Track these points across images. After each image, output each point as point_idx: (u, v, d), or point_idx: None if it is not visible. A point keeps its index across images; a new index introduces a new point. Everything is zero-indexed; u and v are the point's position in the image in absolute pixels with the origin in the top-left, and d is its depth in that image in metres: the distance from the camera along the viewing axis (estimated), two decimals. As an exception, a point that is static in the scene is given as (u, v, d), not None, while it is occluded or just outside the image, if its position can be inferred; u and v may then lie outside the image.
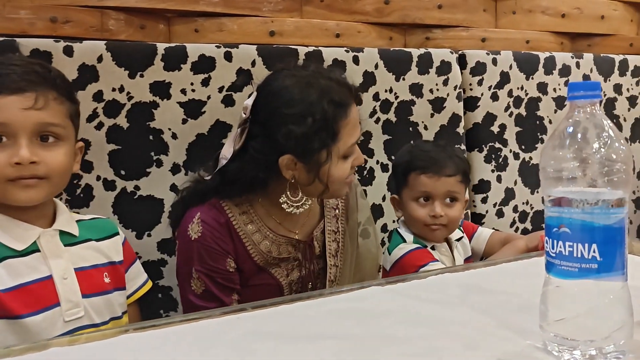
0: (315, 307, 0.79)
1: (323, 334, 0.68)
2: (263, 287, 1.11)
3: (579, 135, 0.59)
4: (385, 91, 1.58)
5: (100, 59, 1.27)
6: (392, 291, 0.84)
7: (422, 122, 1.64)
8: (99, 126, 1.27)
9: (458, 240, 1.35)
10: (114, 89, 1.28)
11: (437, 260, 1.25)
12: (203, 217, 1.07)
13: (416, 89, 1.62)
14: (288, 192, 1.07)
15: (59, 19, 1.33)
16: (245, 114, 1.06)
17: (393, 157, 1.52)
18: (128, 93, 1.29)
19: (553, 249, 0.59)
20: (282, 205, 1.08)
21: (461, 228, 1.38)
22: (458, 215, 1.28)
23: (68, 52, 1.24)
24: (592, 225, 0.57)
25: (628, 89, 1.98)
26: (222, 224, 1.07)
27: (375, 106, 1.57)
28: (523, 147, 1.78)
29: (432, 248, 1.30)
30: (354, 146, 1.07)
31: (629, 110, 1.99)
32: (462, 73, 1.70)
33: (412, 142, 1.50)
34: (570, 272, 0.58)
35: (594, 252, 0.57)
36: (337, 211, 1.22)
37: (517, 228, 1.78)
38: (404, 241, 1.29)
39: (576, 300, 0.58)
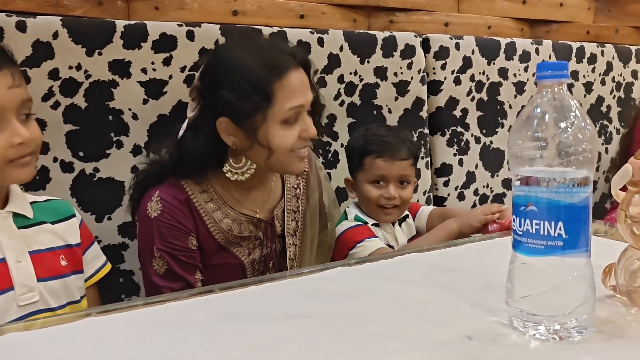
0: (282, 288, 0.78)
1: (291, 314, 0.67)
2: (225, 267, 1.10)
3: (547, 115, 0.60)
4: (350, 74, 1.57)
5: (55, 35, 1.21)
6: (359, 271, 0.84)
7: (386, 105, 1.64)
8: (55, 105, 1.22)
9: (402, 220, 1.40)
10: (70, 67, 1.23)
11: (376, 237, 1.30)
12: (162, 195, 1.05)
13: (380, 72, 1.62)
14: (230, 159, 1.07)
15: (11, -8, 1.26)
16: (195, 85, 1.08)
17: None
18: (86, 71, 1.25)
19: (520, 227, 0.60)
20: (227, 175, 1.07)
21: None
22: (409, 196, 1.35)
23: (21, 27, 1.18)
24: (558, 203, 0.58)
25: (584, 76, 2.03)
26: (181, 202, 1.06)
27: (339, 89, 1.56)
28: (484, 131, 1.81)
29: (376, 225, 1.35)
30: (301, 115, 1.04)
31: (584, 96, 2.04)
32: (425, 57, 1.71)
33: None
34: (537, 250, 0.59)
35: (560, 229, 0.58)
36: (297, 190, 1.21)
37: (478, 211, 1.81)
38: (347, 219, 1.36)
39: (542, 277, 0.60)
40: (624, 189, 0.68)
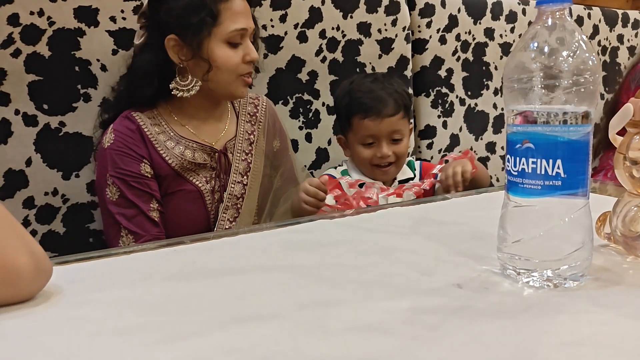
0: (259, 239, 0.73)
1: (268, 265, 0.62)
2: (184, 194, 1.12)
3: (546, 44, 0.55)
4: (332, 29, 1.51)
5: (15, -23, 1.13)
6: (341, 224, 0.80)
7: (370, 63, 1.58)
8: (16, 53, 1.14)
9: (405, 181, 1.32)
10: (32, 13, 1.15)
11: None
12: (115, 127, 1.10)
13: (364, 28, 1.55)
14: (177, 77, 1.10)
15: None
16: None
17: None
18: (49, 18, 1.16)
19: (515, 167, 0.56)
20: (173, 92, 1.10)
21: (417, 168, 1.36)
22: (404, 151, 1.29)
23: (-23, -33, 1.09)
24: (556, 139, 0.53)
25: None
26: (133, 130, 1.09)
27: (321, 44, 1.49)
28: (469, 92, 1.77)
29: (361, 185, 1.27)
30: (244, 39, 1.10)
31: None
32: (410, 14, 1.65)
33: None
34: (533, 190, 0.55)
35: (559, 168, 0.53)
36: (251, 136, 1.22)
37: (462, 174, 1.77)
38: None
39: (537, 220, 0.55)
40: (621, 132, 0.64)
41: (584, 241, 0.56)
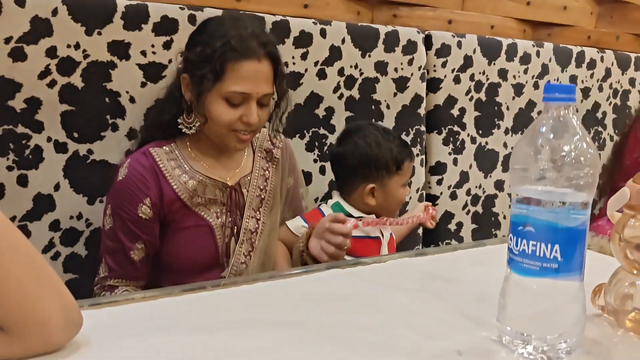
0: (276, 289, 0.78)
1: (284, 321, 0.67)
2: (195, 229, 1.15)
3: (551, 137, 0.60)
4: (351, 67, 1.56)
5: (55, 12, 1.19)
6: (353, 275, 0.85)
7: (385, 100, 1.63)
8: (52, 84, 1.20)
9: None
10: (69, 46, 1.21)
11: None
12: (131, 162, 1.13)
13: (381, 67, 1.61)
14: (184, 113, 1.15)
15: (10, -35, 1.23)
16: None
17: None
18: (84, 51, 1.23)
19: (517, 246, 0.61)
20: (179, 126, 1.15)
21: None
22: None
23: (20, 2, 1.15)
24: (556, 226, 0.58)
25: (582, 81, 2.03)
26: (146, 168, 1.13)
27: (339, 81, 1.55)
28: (480, 131, 1.82)
29: (359, 219, 1.28)
30: (247, 101, 1.10)
31: (581, 101, 2.05)
32: (427, 54, 1.70)
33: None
34: (532, 271, 0.60)
35: (556, 252, 0.58)
36: (266, 172, 1.26)
37: (469, 211, 1.82)
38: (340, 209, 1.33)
39: (534, 298, 0.60)
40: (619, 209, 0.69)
41: (578, 319, 0.61)
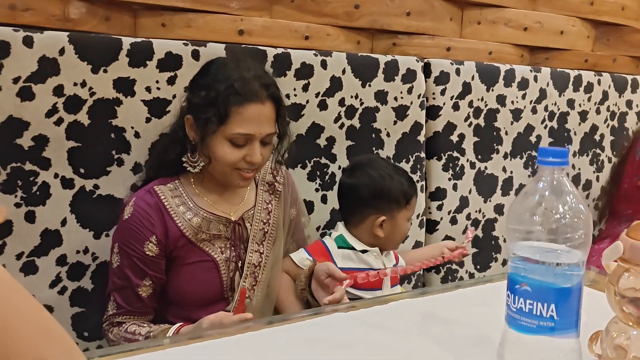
0: (280, 334, 0.80)
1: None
2: (200, 264, 1.18)
3: (545, 199, 0.62)
4: (351, 97, 1.59)
5: (62, 51, 1.22)
6: (355, 318, 0.87)
7: (385, 129, 1.66)
8: (59, 122, 1.23)
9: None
10: (75, 84, 1.24)
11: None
12: (136, 200, 1.16)
13: (381, 96, 1.64)
14: (189, 153, 1.18)
15: (18, 6, 1.26)
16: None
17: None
18: (90, 88, 1.25)
19: (514, 304, 0.63)
20: (184, 165, 1.18)
21: None
22: None
23: (28, 42, 1.18)
24: (552, 286, 0.61)
25: (580, 104, 2.06)
26: (151, 205, 1.15)
27: (340, 112, 1.58)
28: (479, 157, 1.84)
29: (364, 252, 1.33)
30: (251, 142, 1.13)
31: (579, 124, 2.08)
32: (426, 82, 1.73)
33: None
34: (529, 328, 0.62)
35: (552, 311, 0.61)
36: (269, 205, 1.29)
37: (469, 235, 1.84)
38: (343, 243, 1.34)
39: (531, 354, 0.62)
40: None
41: (574, 373, 0.63)
